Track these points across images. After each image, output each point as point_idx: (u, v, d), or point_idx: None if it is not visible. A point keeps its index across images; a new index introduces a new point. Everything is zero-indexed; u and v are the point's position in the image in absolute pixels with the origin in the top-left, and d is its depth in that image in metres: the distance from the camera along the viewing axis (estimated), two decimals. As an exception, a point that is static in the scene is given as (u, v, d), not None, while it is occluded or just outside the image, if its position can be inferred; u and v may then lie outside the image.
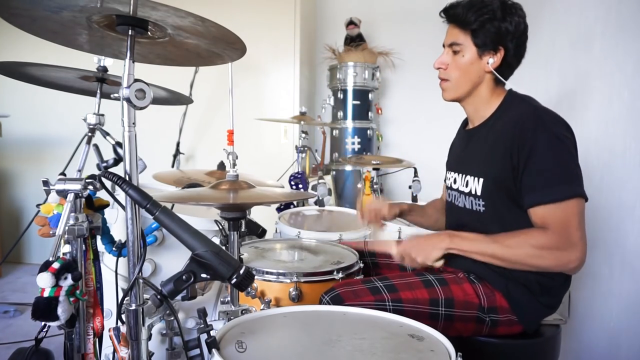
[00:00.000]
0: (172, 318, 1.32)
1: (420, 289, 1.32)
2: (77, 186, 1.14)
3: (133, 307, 0.94)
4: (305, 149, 2.97)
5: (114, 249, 1.36)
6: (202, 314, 0.99)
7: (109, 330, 1.09)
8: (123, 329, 1.03)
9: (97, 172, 1.01)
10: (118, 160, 1.48)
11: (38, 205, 1.23)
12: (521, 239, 1.23)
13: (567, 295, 1.42)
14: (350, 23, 3.60)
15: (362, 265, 1.59)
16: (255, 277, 1.43)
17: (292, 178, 2.66)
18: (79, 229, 1.15)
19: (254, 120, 3.00)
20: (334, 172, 3.45)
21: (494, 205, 1.34)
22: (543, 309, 1.34)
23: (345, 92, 3.51)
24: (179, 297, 0.93)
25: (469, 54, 1.35)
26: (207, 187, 1.33)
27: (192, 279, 0.89)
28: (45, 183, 1.15)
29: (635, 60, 1.82)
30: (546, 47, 2.53)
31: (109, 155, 1.51)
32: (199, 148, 3.59)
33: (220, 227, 1.50)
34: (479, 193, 1.36)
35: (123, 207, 0.93)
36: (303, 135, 3.04)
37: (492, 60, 1.34)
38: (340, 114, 3.53)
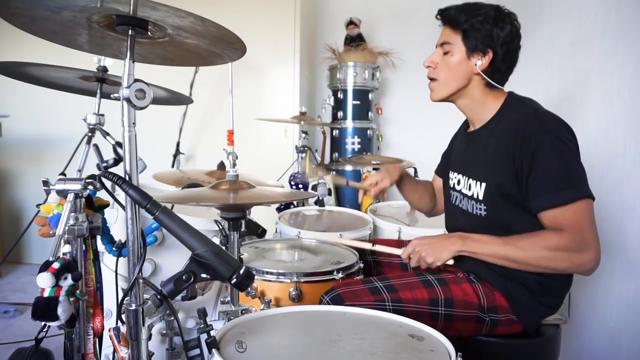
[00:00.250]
0: (172, 318, 1.32)
1: (419, 289, 1.32)
2: (77, 186, 1.14)
3: (133, 307, 0.94)
4: (305, 149, 2.97)
5: (114, 249, 1.36)
6: (202, 314, 0.99)
7: (109, 330, 1.09)
8: (123, 329, 1.03)
9: (97, 172, 1.01)
10: (118, 160, 1.48)
11: (38, 205, 1.23)
12: (535, 241, 1.23)
13: (568, 295, 1.42)
14: (350, 23, 3.60)
15: (362, 265, 1.59)
16: (255, 277, 1.43)
17: (292, 178, 2.66)
18: (79, 229, 1.15)
19: (254, 120, 3.00)
20: (334, 172, 3.45)
21: (496, 210, 1.34)
22: (543, 309, 1.34)
23: (345, 92, 3.51)
24: (179, 297, 0.93)
25: (458, 54, 1.36)
26: (207, 187, 1.33)
27: (192, 279, 0.89)
28: (45, 183, 1.15)
29: (635, 60, 1.82)
30: (546, 47, 2.53)
31: (109, 155, 1.51)
32: (199, 148, 3.58)
33: (220, 227, 1.50)
34: (480, 197, 1.36)
35: (123, 207, 0.93)
36: (303, 135, 3.04)
37: (480, 62, 1.35)
38: (340, 114, 3.52)
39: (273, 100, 3.54)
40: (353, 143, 3.50)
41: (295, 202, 2.62)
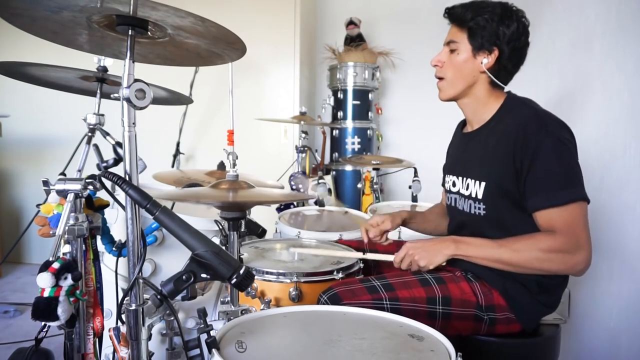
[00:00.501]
0: (172, 318, 1.32)
1: (417, 287, 1.33)
2: (77, 186, 1.14)
3: (133, 307, 0.94)
4: (305, 149, 2.97)
5: (114, 249, 1.36)
6: (202, 314, 0.99)
7: (109, 330, 1.09)
8: (123, 329, 1.03)
9: (97, 172, 1.01)
10: (118, 160, 1.48)
11: (38, 205, 1.24)
12: (528, 243, 1.23)
13: (567, 295, 1.42)
14: (350, 23, 3.60)
15: (362, 265, 1.59)
16: (255, 277, 1.43)
17: (292, 178, 2.66)
18: (79, 229, 1.15)
19: (254, 120, 3.00)
20: (334, 172, 3.45)
21: (495, 209, 1.34)
22: (541, 307, 1.35)
23: (345, 92, 3.50)
24: (179, 297, 0.93)
25: (464, 52, 1.37)
26: (207, 187, 1.33)
27: (192, 279, 0.89)
28: (45, 183, 1.15)
29: (635, 60, 1.82)
30: (546, 47, 2.53)
31: (109, 155, 1.51)
32: (199, 148, 3.59)
33: (220, 227, 1.50)
34: (479, 197, 1.36)
35: (123, 207, 0.93)
36: (303, 135, 3.04)
37: (486, 61, 1.35)
38: (340, 114, 3.52)
39: (273, 100, 3.54)
40: (353, 143, 3.50)
41: (295, 202, 2.62)
